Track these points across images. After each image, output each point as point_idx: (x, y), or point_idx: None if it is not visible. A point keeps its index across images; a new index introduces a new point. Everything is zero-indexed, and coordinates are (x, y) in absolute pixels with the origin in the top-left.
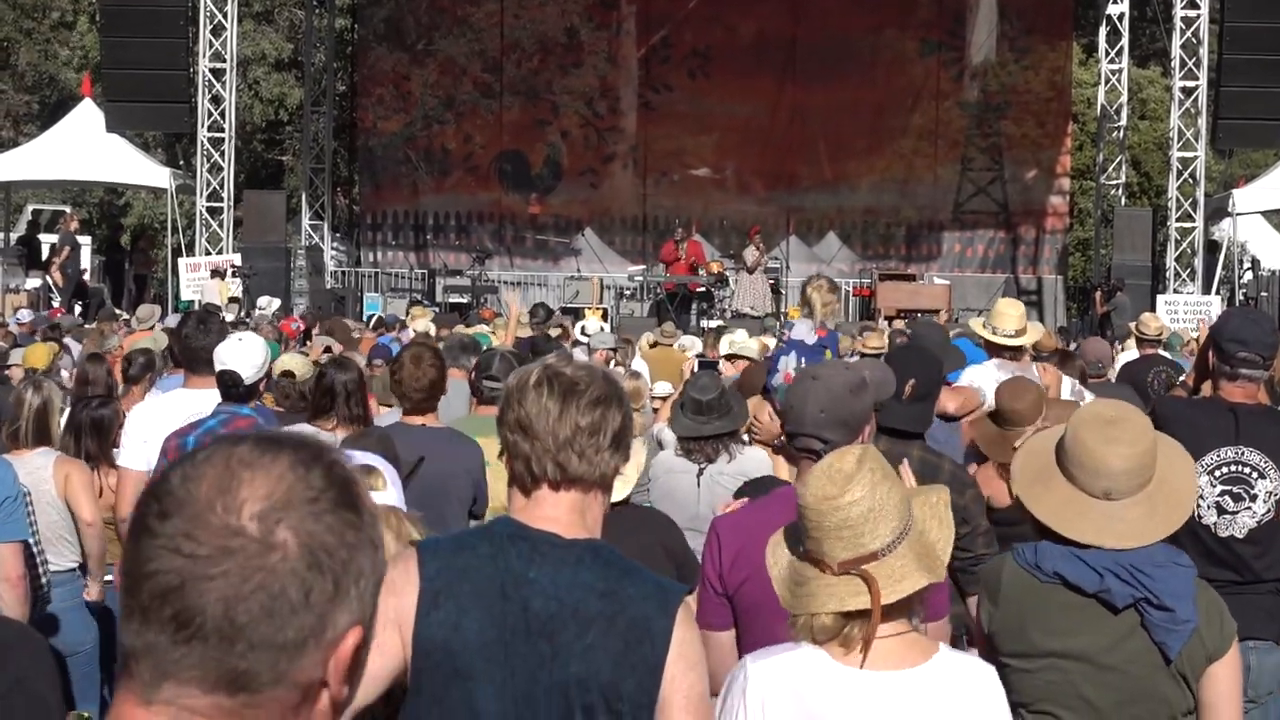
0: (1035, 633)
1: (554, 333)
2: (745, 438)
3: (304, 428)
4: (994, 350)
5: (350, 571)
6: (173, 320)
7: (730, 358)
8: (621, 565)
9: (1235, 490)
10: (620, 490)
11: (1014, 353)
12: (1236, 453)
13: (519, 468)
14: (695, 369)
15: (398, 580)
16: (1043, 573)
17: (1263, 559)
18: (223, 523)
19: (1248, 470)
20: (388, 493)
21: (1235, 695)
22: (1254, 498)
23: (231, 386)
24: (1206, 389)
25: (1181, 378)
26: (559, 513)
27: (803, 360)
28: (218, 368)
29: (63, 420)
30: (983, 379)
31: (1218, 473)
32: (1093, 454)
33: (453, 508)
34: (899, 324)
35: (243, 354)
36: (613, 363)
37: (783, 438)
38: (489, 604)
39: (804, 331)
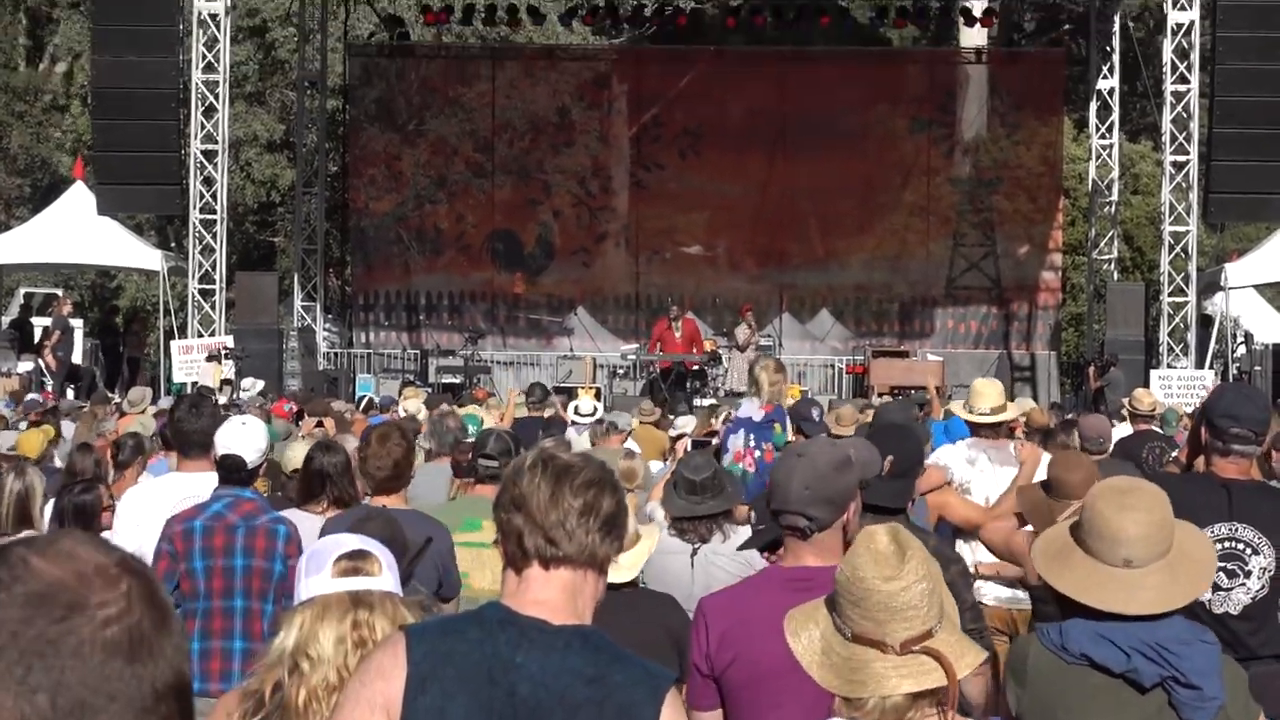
0: (1063, 714)
1: (547, 413)
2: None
3: (292, 511)
4: (974, 429)
5: None
6: (165, 403)
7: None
8: (610, 651)
9: (1229, 567)
10: (629, 572)
11: (992, 430)
12: (1230, 529)
13: (511, 546)
14: (689, 448)
15: (385, 664)
16: (1069, 654)
17: (1257, 635)
18: None
19: (1241, 546)
20: (383, 577)
21: None
22: (1248, 574)
23: (234, 470)
24: (1199, 465)
25: (1174, 453)
26: (549, 595)
27: (751, 436)
28: (220, 452)
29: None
30: (951, 458)
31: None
32: (1109, 523)
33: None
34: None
35: (246, 438)
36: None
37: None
38: (475, 689)
39: (751, 409)
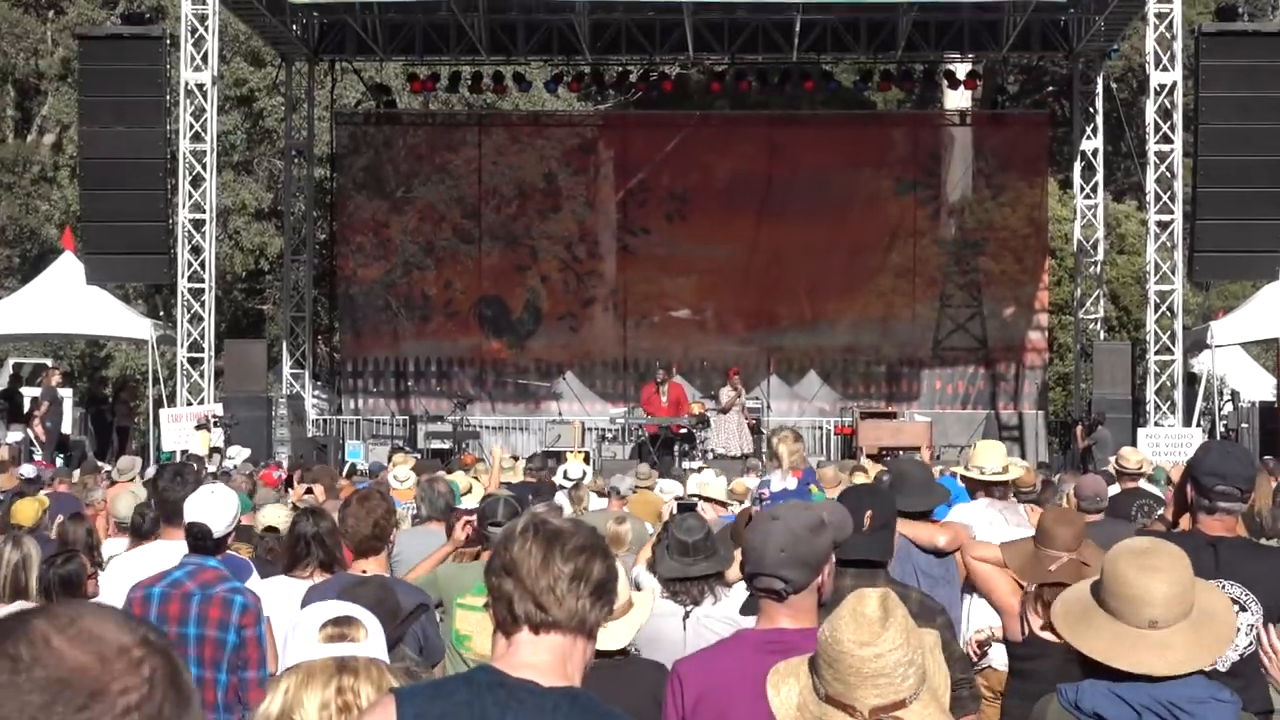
0: None
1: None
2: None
3: (279, 578)
4: (976, 488)
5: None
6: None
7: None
8: (598, 712)
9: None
10: (619, 640)
11: (1000, 489)
12: (1187, 569)
13: (501, 610)
14: (674, 511)
15: None
16: (1083, 713)
17: (1247, 692)
18: None
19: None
20: (369, 643)
21: None
22: (1236, 631)
23: (200, 539)
24: (1185, 522)
25: (1160, 511)
26: (539, 658)
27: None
28: (187, 519)
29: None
30: (971, 516)
31: None
32: (1133, 585)
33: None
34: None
35: (213, 507)
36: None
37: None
38: None
39: (780, 482)
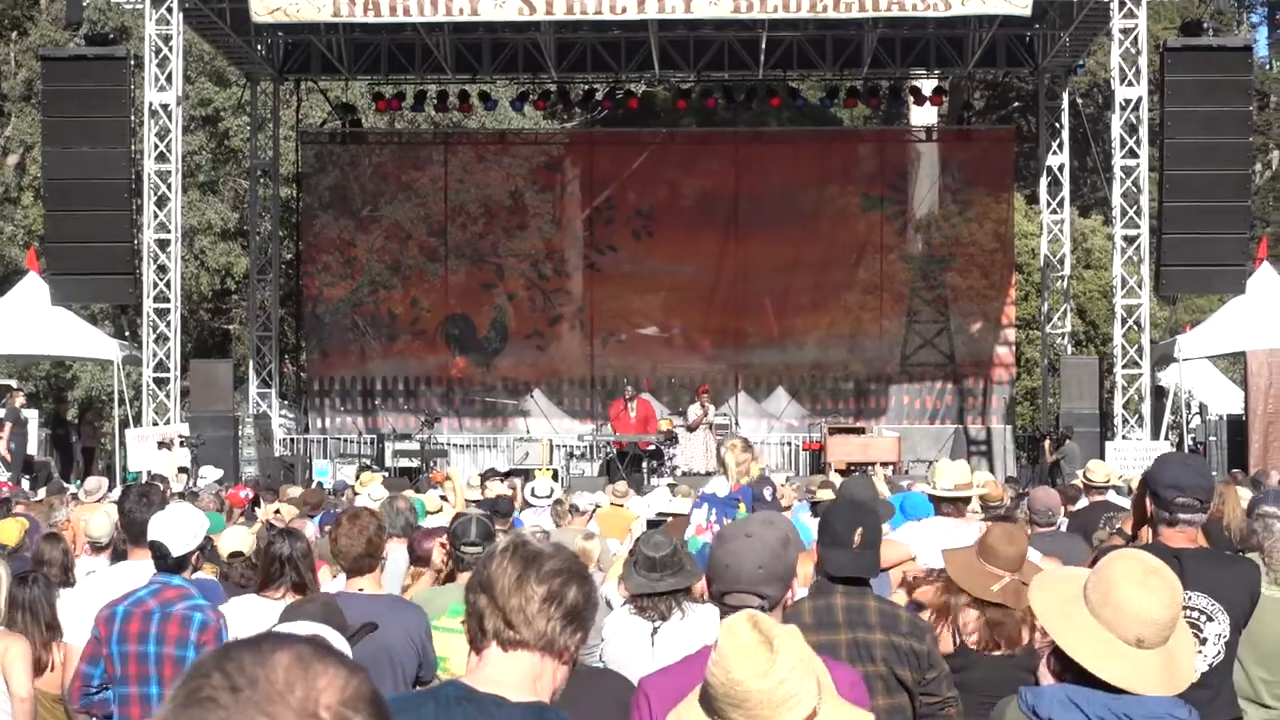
0: None
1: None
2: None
3: (250, 597)
4: (937, 506)
5: None
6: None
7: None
8: None
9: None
10: None
11: (955, 507)
12: (1184, 598)
13: (473, 625)
14: (644, 527)
15: None
16: (1038, 718)
17: (1215, 701)
18: (302, 706)
19: (1196, 615)
20: None
21: None
22: (1204, 641)
23: (161, 558)
24: (1145, 535)
25: (1119, 525)
26: (507, 675)
27: (713, 511)
28: (150, 538)
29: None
30: (917, 534)
31: None
32: (1134, 603)
33: (395, 675)
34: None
35: (171, 526)
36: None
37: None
38: None
39: (717, 486)
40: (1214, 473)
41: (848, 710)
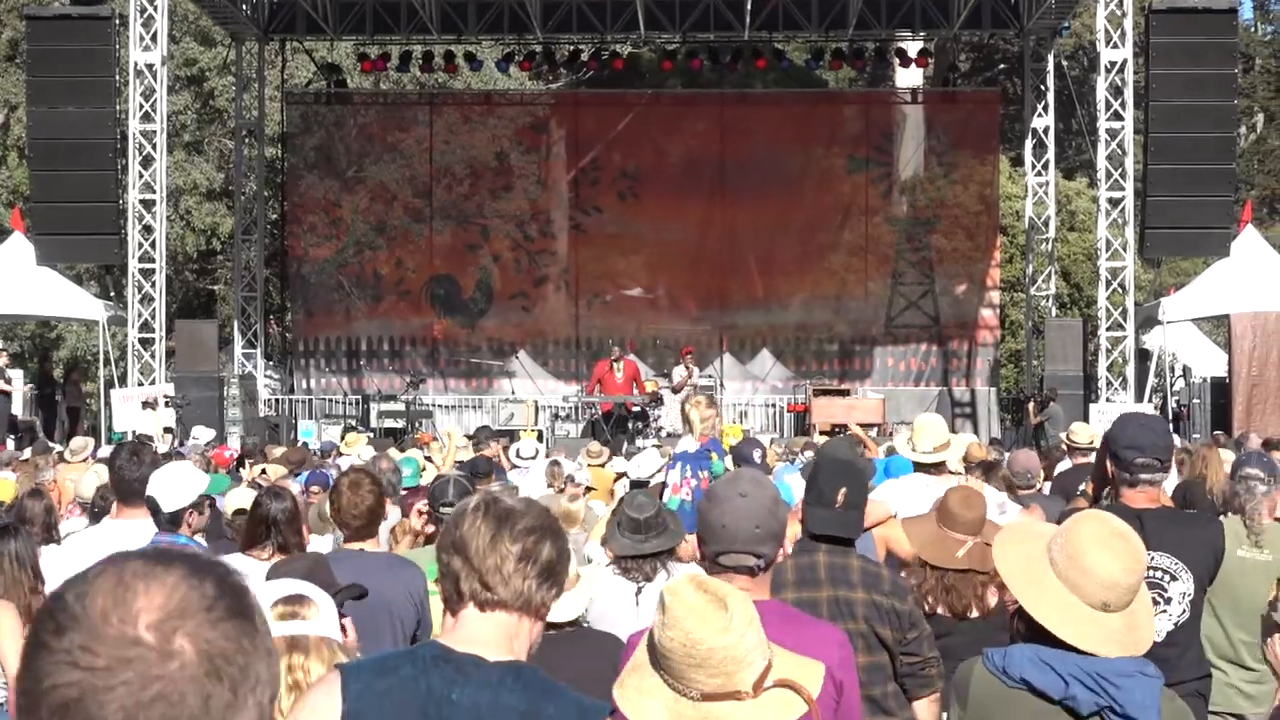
0: None
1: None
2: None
3: (238, 557)
4: (916, 465)
5: (248, 679)
6: (106, 452)
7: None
8: (542, 685)
9: (1150, 596)
10: (568, 611)
11: (934, 469)
12: (1147, 559)
13: (448, 587)
14: (628, 488)
15: (320, 703)
16: (1009, 678)
17: (1183, 659)
18: (119, 633)
19: (1160, 574)
20: (319, 621)
21: None
22: (1169, 600)
23: (155, 515)
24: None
25: (1081, 487)
26: (484, 634)
27: (688, 468)
28: (146, 495)
29: None
30: (896, 493)
31: None
32: (1101, 568)
33: (395, 631)
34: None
35: (164, 482)
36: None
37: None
38: None
39: (687, 444)
40: (1196, 435)
41: (800, 661)
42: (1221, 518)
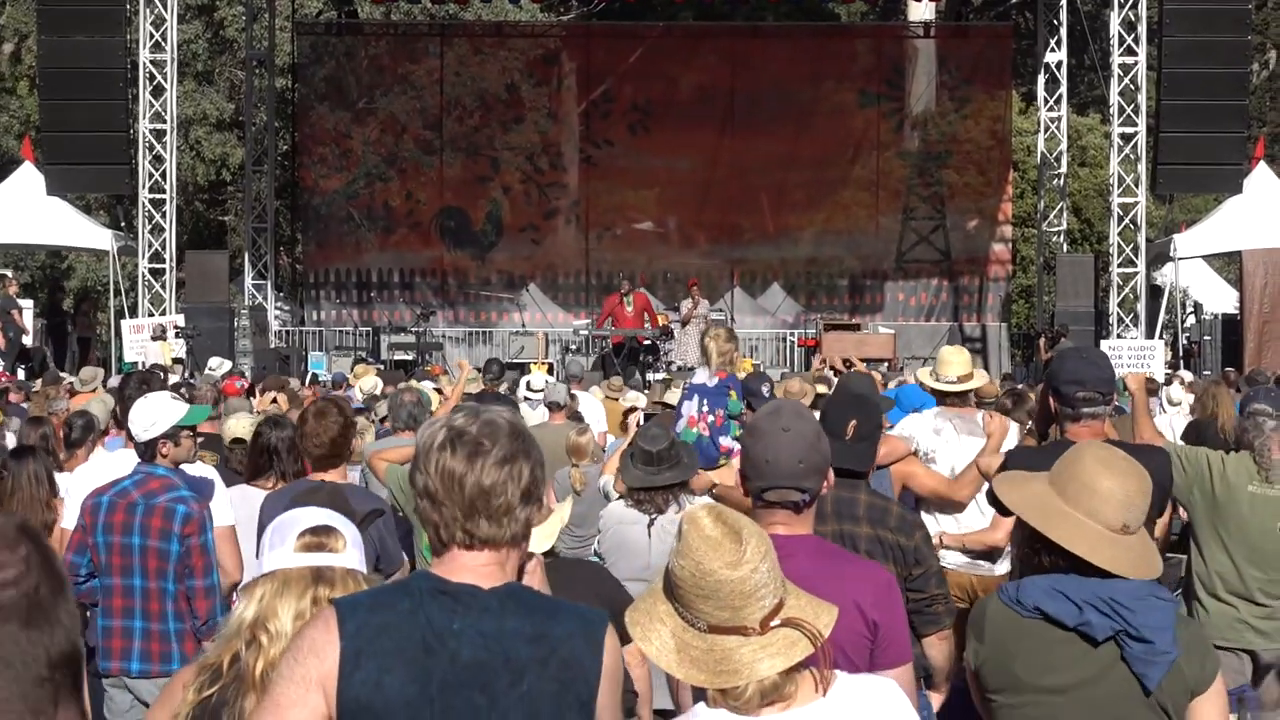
0: (1019, 668)
1: (502, 389)
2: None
3: (242, 487)
4: (940, 398)
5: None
6: (116, 382)
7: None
8: (543, 606)
9: None
10: (542, 542)
11: (958, 399)
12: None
13: (431, 533)
14: (641, 421)
15: (318, 640)
16: (1024, 608)
17: None
18: None
19: None
20: (348, 554)
21: None
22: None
23: (134, 444)
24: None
25: (1030, 424)
26: (477, 564)
27: (705, 402)
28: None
29: None
30: (916, 428)
31: None
32: (1116, 491)
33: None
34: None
35: (137, 414)
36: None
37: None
38: (410, 660)
39: (704, 377)
40: (1207, 372)
41: (814, 602)
42: (1232, 453)
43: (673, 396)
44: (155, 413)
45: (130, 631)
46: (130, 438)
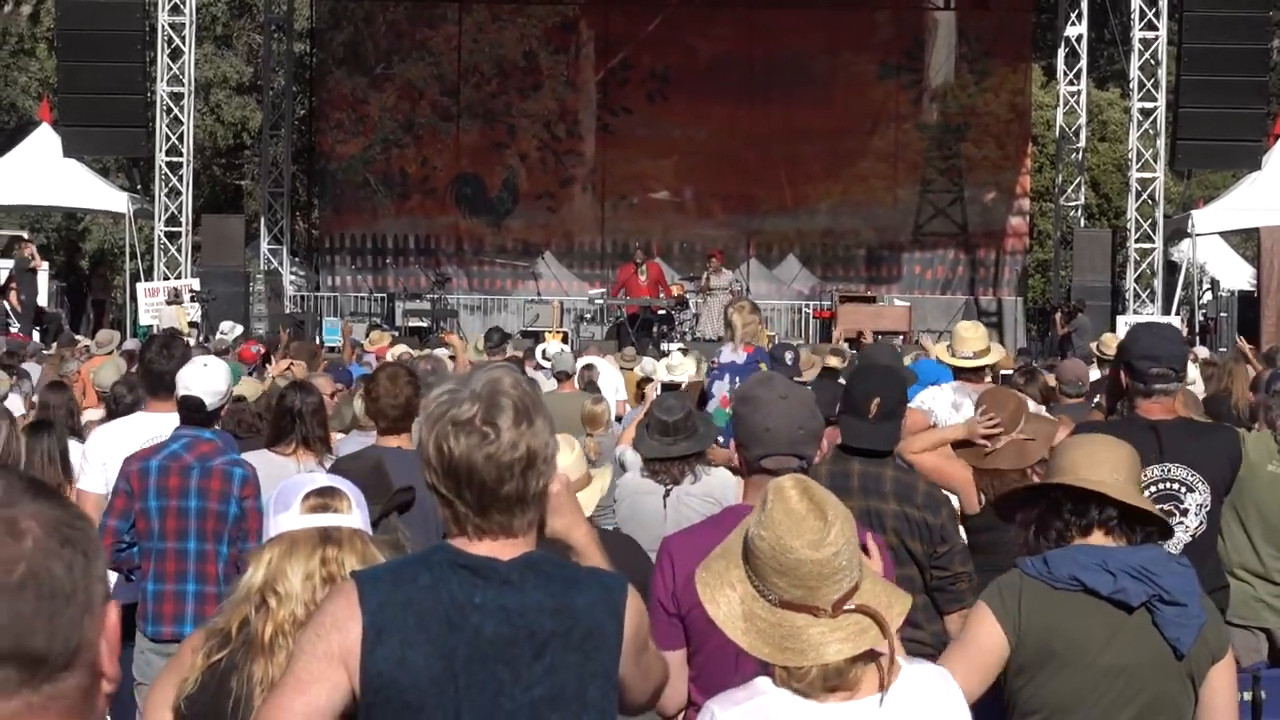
0: (1058, 642)
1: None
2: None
3: (262, 453)
4: (956, 373)
5: (89, 538)
6: (132, 345)
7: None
8: (561, 575)
9: (1166, 507)
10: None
11: (974, 374)
12: (1163, 470)
13: (446, 514)
14: (659, 391)
15: (340, 614)
16: (1057, 580)
17: (1200, 571)
18: None
19: (1176, 486)
20: (352, 515)
21: (1233, 697)
22: (1185, 512)
23: (194, 411)
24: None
25: (1096, 399)
26: (496, 541)
27: (738, 380)
28: (180, 392)
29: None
30: (936, 401)
31: (1147, 492)
32: (1097, 451)
33: (428, 528)
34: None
35: (206, 379)
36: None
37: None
38: (433, 635)
39: (730, 353)
40: (1223, 349)
41: (888, 587)
42: (1253, 432)
43: (682, 372)
44: (223, 379)
45: (183, 595)
46: (146, 397)
